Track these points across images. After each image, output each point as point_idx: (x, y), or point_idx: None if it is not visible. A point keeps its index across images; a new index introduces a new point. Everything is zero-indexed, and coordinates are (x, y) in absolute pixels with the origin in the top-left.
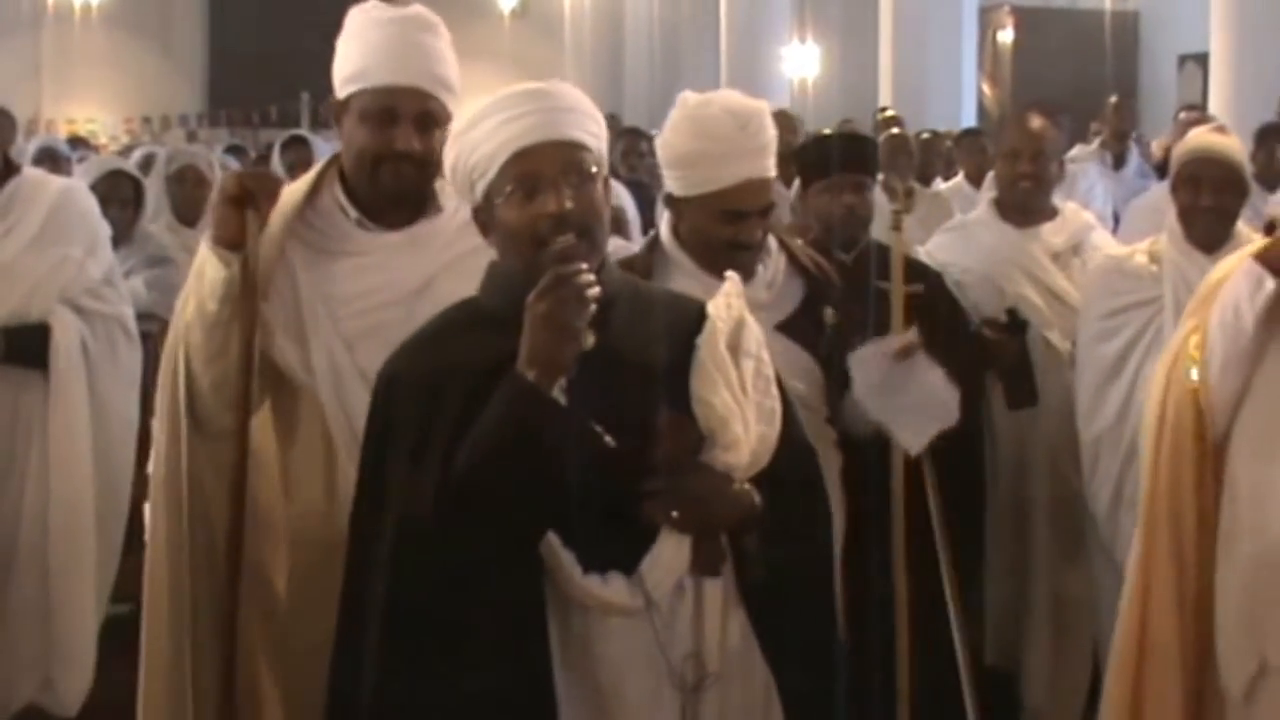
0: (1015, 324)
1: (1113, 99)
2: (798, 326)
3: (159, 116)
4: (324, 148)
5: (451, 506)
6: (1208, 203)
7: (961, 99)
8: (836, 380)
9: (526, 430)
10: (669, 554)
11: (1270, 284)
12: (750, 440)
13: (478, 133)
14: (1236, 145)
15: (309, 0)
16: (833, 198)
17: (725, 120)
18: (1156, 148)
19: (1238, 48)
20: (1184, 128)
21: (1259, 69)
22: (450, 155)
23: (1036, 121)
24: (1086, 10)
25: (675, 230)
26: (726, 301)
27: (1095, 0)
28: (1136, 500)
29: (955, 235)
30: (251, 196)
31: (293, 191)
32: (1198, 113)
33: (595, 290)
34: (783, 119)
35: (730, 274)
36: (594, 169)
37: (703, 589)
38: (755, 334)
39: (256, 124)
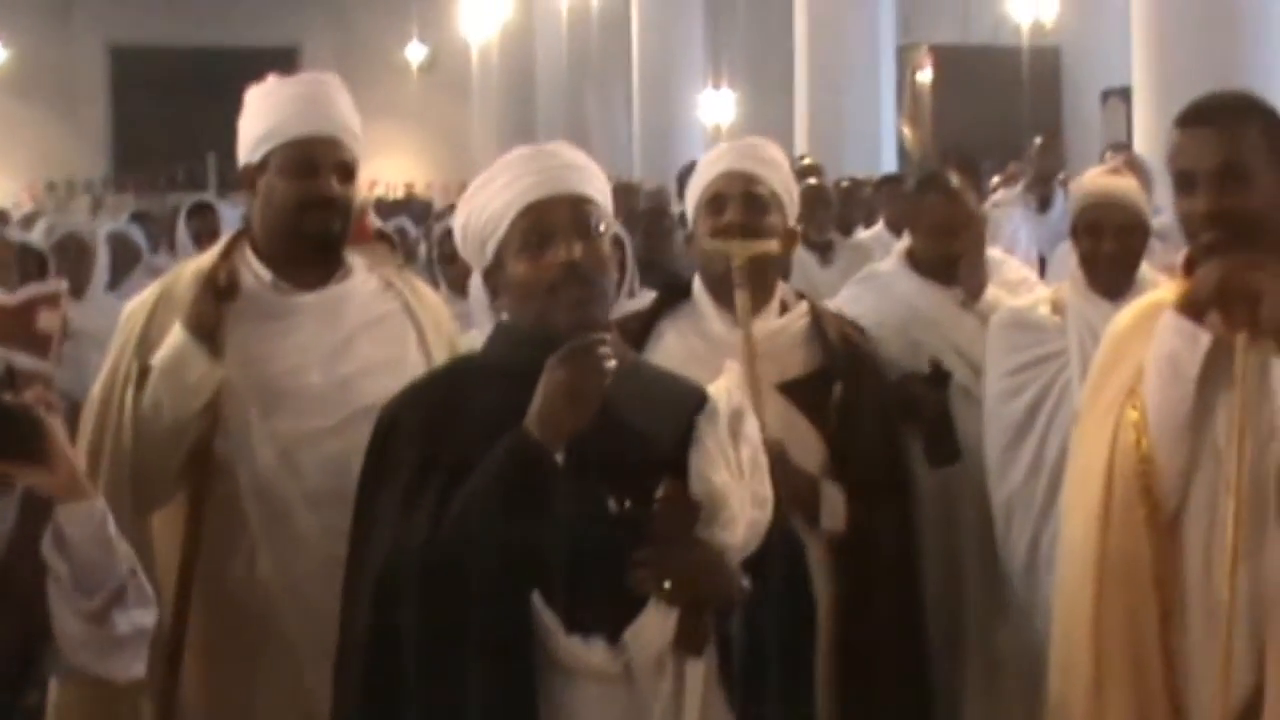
0: (938, 377)
1: (1036, 140)
2: (802, 392)
3: (64, 182)
4: (229, 214)
5: (441, 554)
6: (1109, 248)
7: (881, 141)
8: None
9: (524, 487)
10: (655, 624)
11: (1205, 338)
12: (745, 522)
13: (486, 193)
14: (1134, 187)
15: (211, 62)
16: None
17: (725, 148)
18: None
19: (1161, 82)
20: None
21: (1184, 102)
22: (460, 218)
23: (959, 187)
24: (1006, 47)
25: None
26: (728, 387)
27: (1014, 36)
28: (1052, 560)
29: (867, 287)
30: (234, 290)
31: (200, 267)
32: (1124, 154)
33: (613, 363)
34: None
35: (730, 363)
36: (601, 225)
37: (684, 667)
38: (754, 423)
39: (164, 187)
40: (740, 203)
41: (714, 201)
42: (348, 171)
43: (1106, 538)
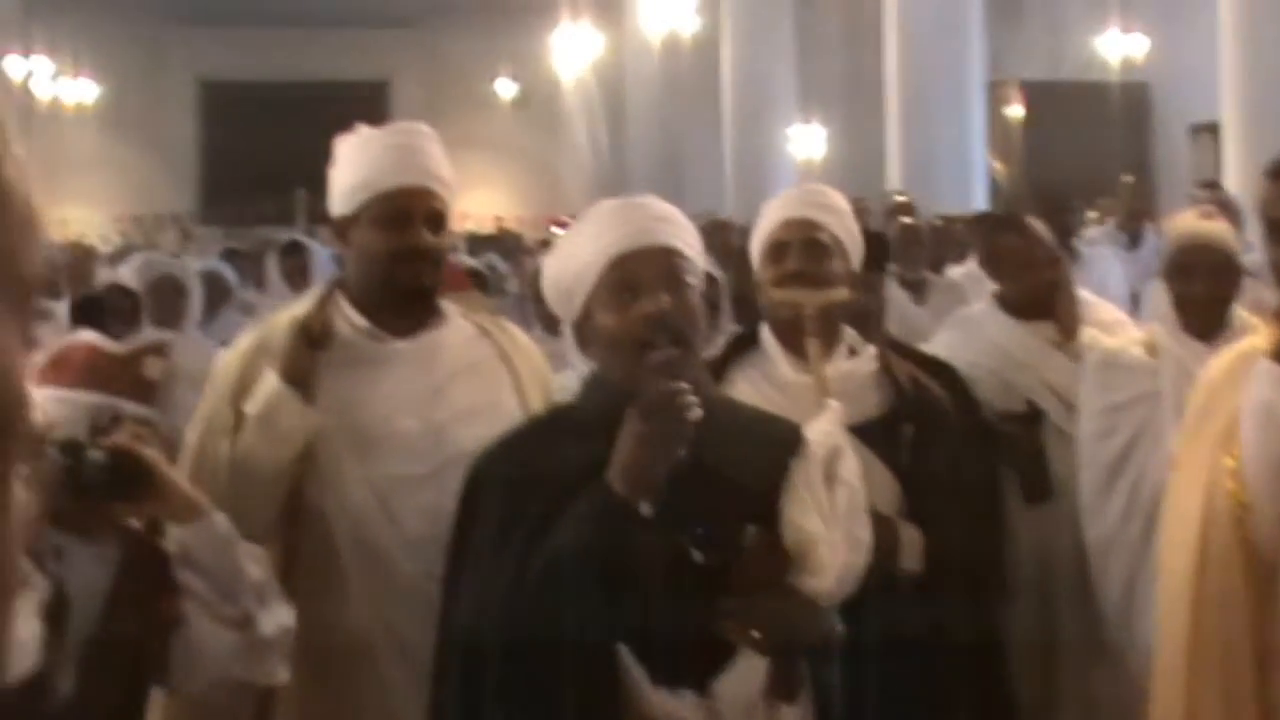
0: (1031, 415)
1: (1125, 177)
2: (875, 435)
3: (152, 216)
4: (319, 251)
5: (527, 607)
6: (1202, 291)
7: (972, 176)
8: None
9: (610, 540)
10: (744, 674)
11: None
12: (837, 567)
13: (575, 245)
14: (1226, 230)
15: (301, 96)
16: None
17: (785, 195)
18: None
19: (1249, 116)
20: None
21: (1275, 137)
22: (549, 271)
23: (1035, 226)
24: (1096, 83)
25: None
26: (826, 427)
27: (1104, 72)
28: (1148, 601)
29: (960, 330)
30: (327, 338)
31: (294, 316)
32: (1213, 191)
33: (698, 413)
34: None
35: (832, 401)
36: (691, 277)
37: (776, 715)
38: (852, 463)
39: (251, 221)
40: (802, 250)
41: (776, 249)
42: (440, 221)
43: (1203, 583)
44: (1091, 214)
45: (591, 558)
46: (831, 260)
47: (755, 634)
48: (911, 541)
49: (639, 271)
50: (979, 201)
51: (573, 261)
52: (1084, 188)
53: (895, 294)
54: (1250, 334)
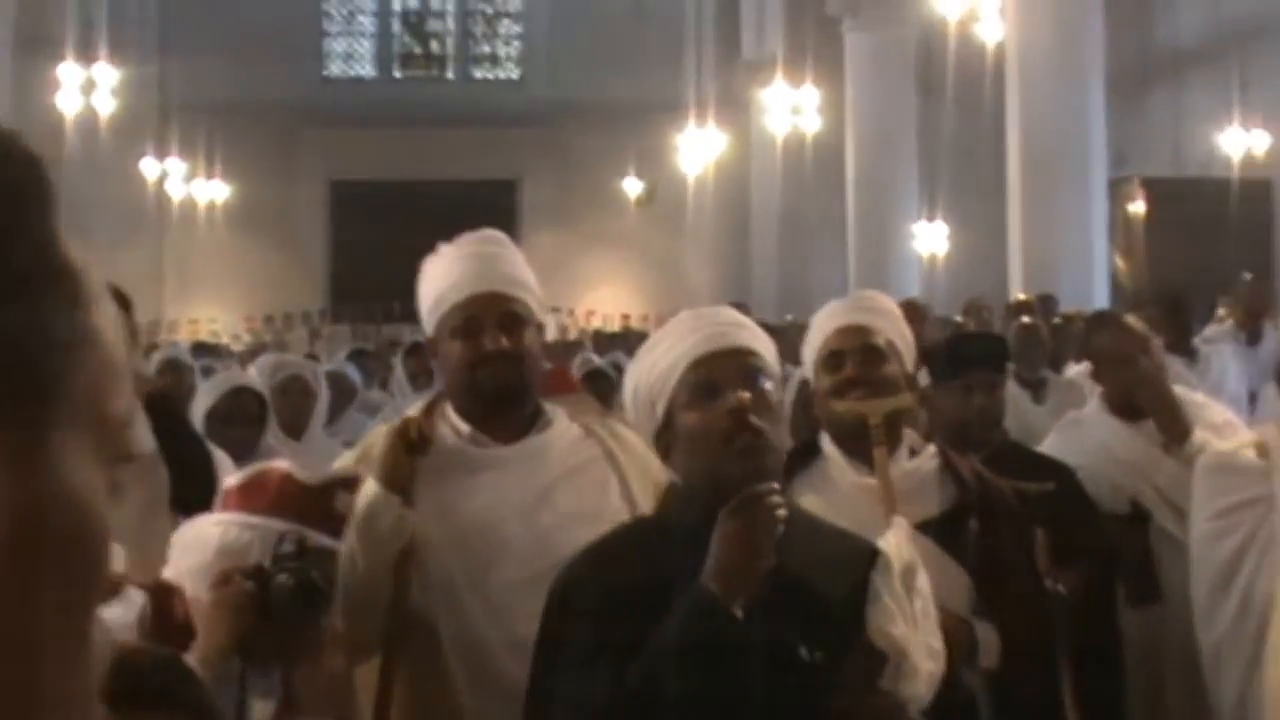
0: (1139, 516)
1: (1245, 275)
2: (941, 532)
3: (281, 314)
4: None
5: (627, 709)
6: None
7: (1093, 273)
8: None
9: (706, 643)
10: None
11: None
12: (925, 673)
13: (654, 355)
14: None
15: (430, 195)
16: (963, 398)
17: (836, 304)
18: None
19: None
20: None
21: None
22: (630, 382)
23: (1132, 323)
24: (1217, 179)
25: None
26: (898, 543)
27: (1226, 168)
28: (1264, 708)
29: (1069, 433)
30: (425, 443)
31: (394, 426)
32: None
33: (784, 512)
34: (910, 309)
35: (898, 518)
36: (767, 380)
37: None
38: (924, 577)
39: (380, 320)
40: (859, 357)
41: (832, 358)
42: (515, 322)
43: None
44: (1220, 312)
45: (691, 662)
46: (888, 365)
47: None
48: (987, 639)
49: (717, 371)
50: (1101, 299)
51: (653, 370)
52: (1206, 286)
53: (1015, 393)
54: None
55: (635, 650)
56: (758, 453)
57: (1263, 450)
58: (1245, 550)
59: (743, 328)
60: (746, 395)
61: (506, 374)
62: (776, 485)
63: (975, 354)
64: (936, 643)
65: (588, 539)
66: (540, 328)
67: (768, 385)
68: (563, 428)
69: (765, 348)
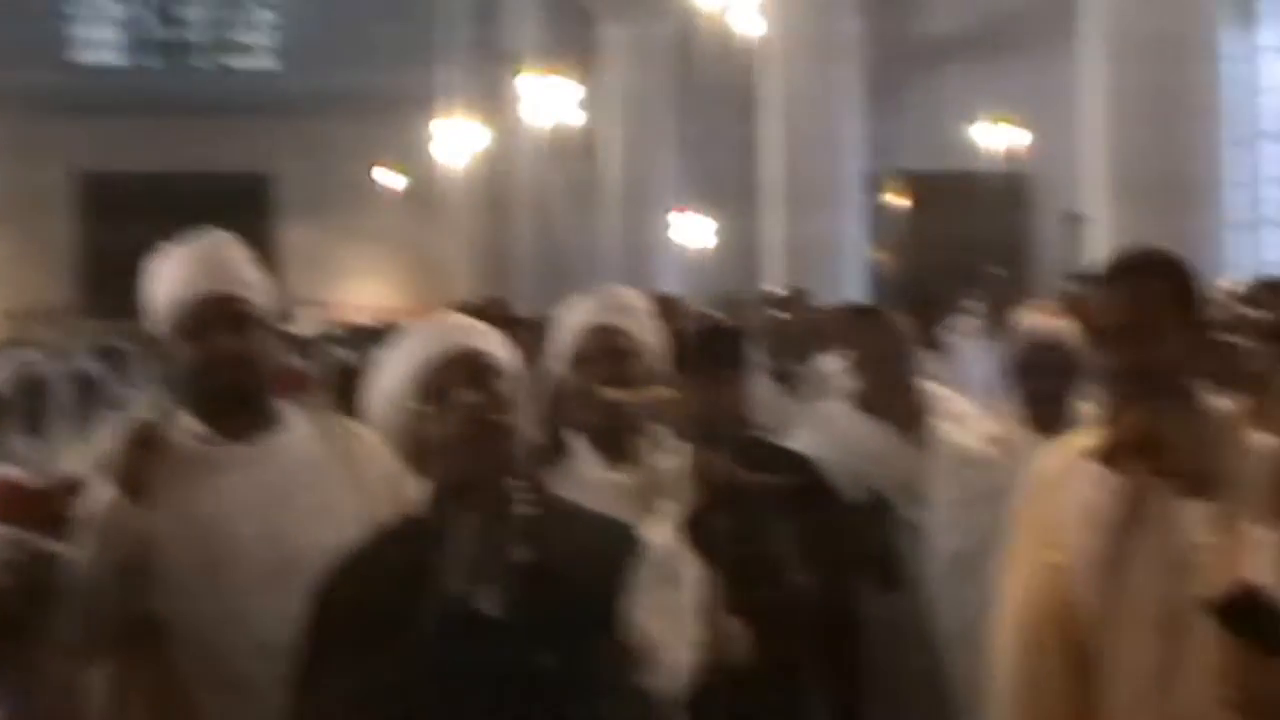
0: (880, 506)
1: (993, 269)
2: (692, 526)
3: (24, 310)
4: None
5: (370, 708)
6: (1045, 387)
7: (851, 265)
8: None
9: (458, 636)
10: None
11: (1120, 485)
12: (678, 666)
13: (393, 359)
14: (1067, 327)
15: (181, 187)
16: (708, 393)
17: (583, 302)
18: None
19: (1115, 208)
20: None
21: (1140, 229)
22: (373, 389)
23: (892, 321)
24: (979, 173)
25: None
26: (662, 529)
27: (987, 162)
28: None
29: (816, 423)
30: (157, 441)
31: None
32: (1082, 283)
33: (529, 508)
34: (665, 304)
35: (664, 503)
36: (503, 380)
37: None
38: (687, 565)
39: (131, 315)
40: (607, 353)
41: (580, 357)
42: (245, 323)
43: (1028, 679)
44: (969, 305)
45: (435, 653)
46: (637, 360)
47: None
48: (738, 635)
49: (449, 375)
50: (858, 292)
51: (392, 375)
52: (965, 277)
53: (766, 386)
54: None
55: (391, 648)
56: (492, 452)
57: (1000, 442)
58: (983, 540)
59: (473, 331)
60: (478, 396)
61: (238, 375)
62: (522, 482)
63: (719, 349)
64: (693, 635)
65: (325, 537)
66: (272, 326)
67: (501, 384)
68: (298, 426)
69: (497, 348)
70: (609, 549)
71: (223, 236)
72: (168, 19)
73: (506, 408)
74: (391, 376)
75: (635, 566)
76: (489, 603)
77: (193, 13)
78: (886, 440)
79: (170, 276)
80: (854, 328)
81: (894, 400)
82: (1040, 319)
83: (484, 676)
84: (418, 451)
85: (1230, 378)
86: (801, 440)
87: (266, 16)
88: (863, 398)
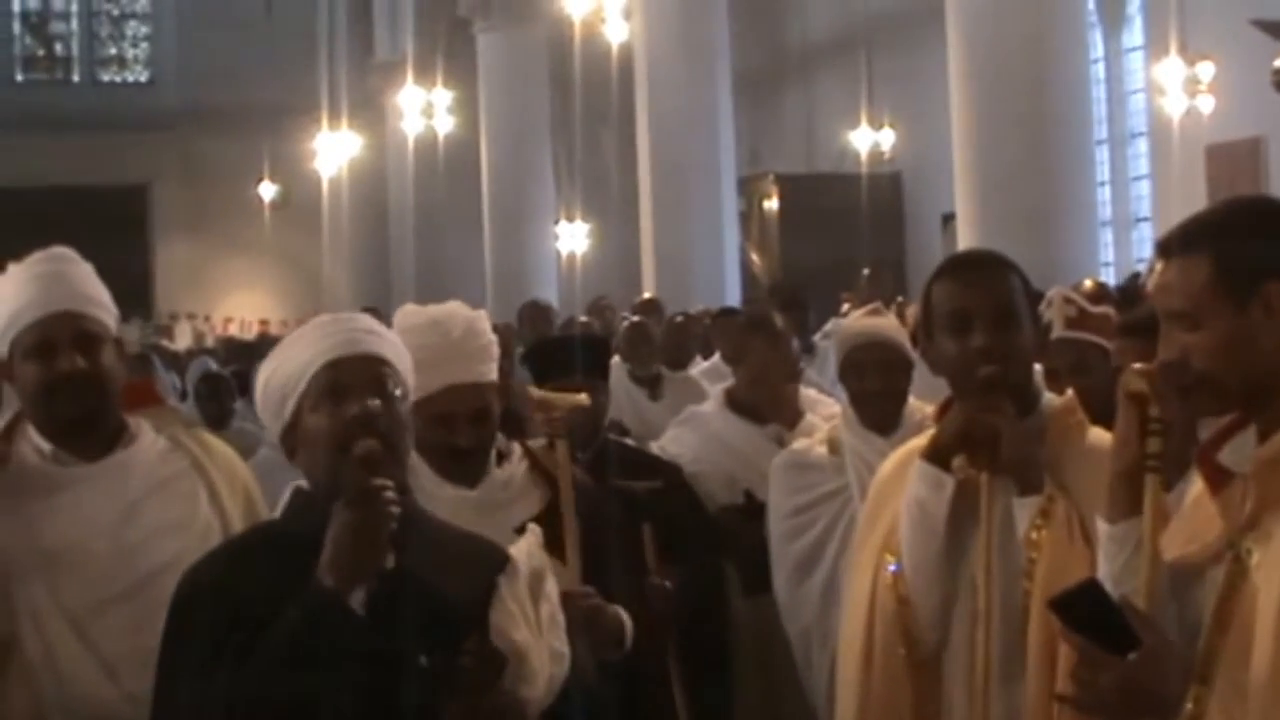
0: (753, 508)
1: (865, 270)
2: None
3: None
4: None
5: (241, 709)
6: (875, 386)
7: (726, 269)
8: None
9: (322, 635)
10: None
11: (950, 483)
12: (545, 676)
13: (287, 354)
14: (893, 325)
15: (54, 200)
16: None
17: (429, 329)
18: (909, 315)
19: (981, 208)
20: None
21: (1005, 228)
22: (261, 378)
23: (781, 335)
24: (850, 175)
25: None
26: (528, 548)
27: (857, 164)
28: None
29: (688, 427)
30: (2, 464)
31: None
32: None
33: (397, 509)
34: (535, 310)
35: (533, 526)
36: (398, 389)
37: None
38: (553, 583)
39: None
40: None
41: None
42: (90, 341)
43: (869, 677)
44: (844, 307)
45: (305, 656)
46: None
47: None
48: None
49: (348, 376)
50: (733, 296)
51: (285, 369)
52: (840, 280)
53: (631, 390)
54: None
55: (254, 651)
56: (378, 461)
57: (834, 445)
58: (824, 542)
59: (375, 335)
60: (376, 402)
61: (83, 395)
62: (390, 481)
63: (571, 357)
64: (562, 646)
65: (176, 551)
66: (117, 343)
67: (397, 394)
68: (148, 441)
69: (398, 355)
70: (480, 563)
71: (66, 253)
72: (40, 35)
73: (399, 420)
74: (292, 364)
75: (504, 582)
76: (357, 602)
77: (65, 27)
78: (761, 441)
79: (15, 295)
80: (740, 333)
81: (776, 404)
82: (865, 319)
83: (343, 672)
84: (302, 445)
85: (1076, 374)
86: (676, 441)
87: (142, 30)
88: (740, 401)
